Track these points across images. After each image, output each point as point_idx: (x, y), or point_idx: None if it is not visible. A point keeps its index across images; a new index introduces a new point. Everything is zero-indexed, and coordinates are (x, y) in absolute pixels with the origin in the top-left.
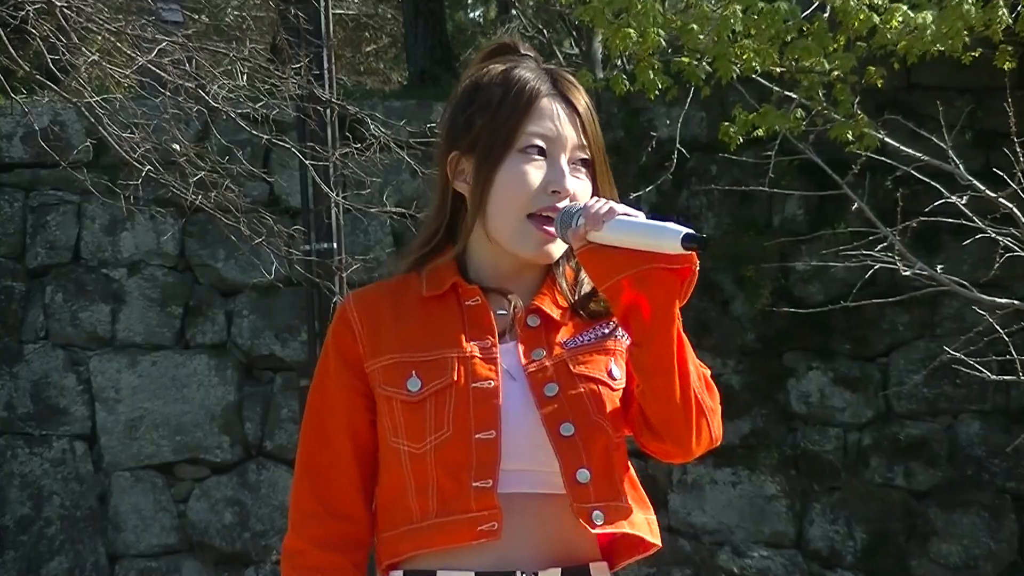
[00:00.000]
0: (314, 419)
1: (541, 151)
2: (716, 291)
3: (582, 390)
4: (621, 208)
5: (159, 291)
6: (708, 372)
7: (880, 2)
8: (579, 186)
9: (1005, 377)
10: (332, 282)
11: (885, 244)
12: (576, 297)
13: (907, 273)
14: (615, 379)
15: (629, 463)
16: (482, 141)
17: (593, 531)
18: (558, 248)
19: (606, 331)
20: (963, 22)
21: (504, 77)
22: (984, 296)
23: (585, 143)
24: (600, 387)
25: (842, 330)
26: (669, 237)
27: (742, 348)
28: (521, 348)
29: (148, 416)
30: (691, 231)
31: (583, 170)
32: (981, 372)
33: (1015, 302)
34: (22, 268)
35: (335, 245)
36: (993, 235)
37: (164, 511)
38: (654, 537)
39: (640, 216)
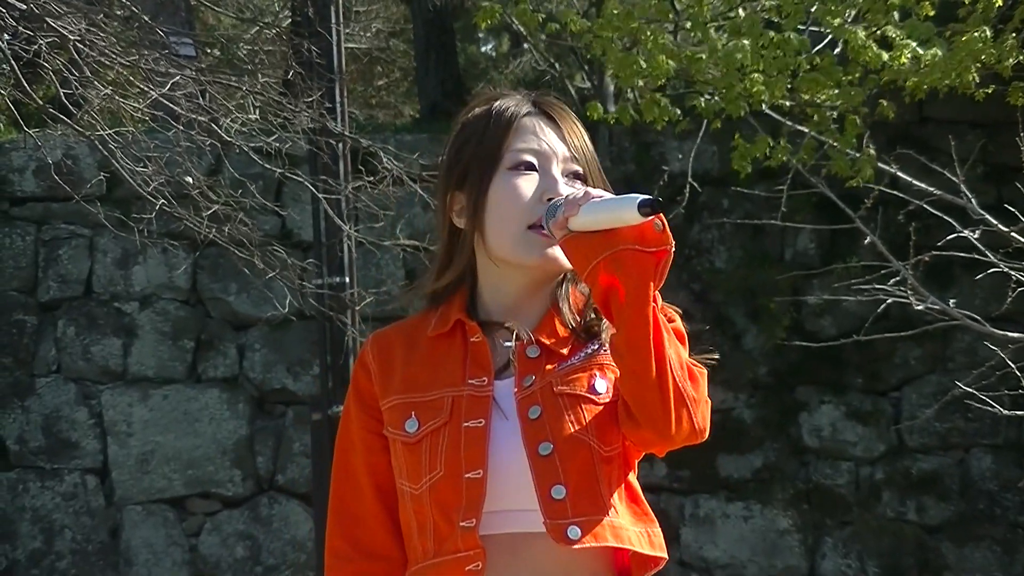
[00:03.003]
0: (341, 460)
1: (530, 166)
2: (728, 325)
3: (563, 408)
4: (596, 192)
5: (171, 325)
6: (703, 371)
7: (893, 35)
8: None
9: (1017, 412)
10: (344, 316)
11: (897, 278)
12: (581, 322)
13: (919, 307)
14: (599, 393)
15: (632, 476)
16: (471, 170)
17: (573, 547)
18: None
19: (594, 348)
20: (972, 57)
21: (486, 109)
22: (996, 330)
23: (576, 156)
24: (582, 403)
25: (854, 364)
26: (629, 207)
27: (754, 382)
28: (517, 379)
29: (160, 450)
30: (646, 196)
31: (579, 183)
32: (993, 407)
33: None
34: (34, 302)
35: (347, 279)
36: (1005, 269)
37: (175, 545)
38: (654, 549)
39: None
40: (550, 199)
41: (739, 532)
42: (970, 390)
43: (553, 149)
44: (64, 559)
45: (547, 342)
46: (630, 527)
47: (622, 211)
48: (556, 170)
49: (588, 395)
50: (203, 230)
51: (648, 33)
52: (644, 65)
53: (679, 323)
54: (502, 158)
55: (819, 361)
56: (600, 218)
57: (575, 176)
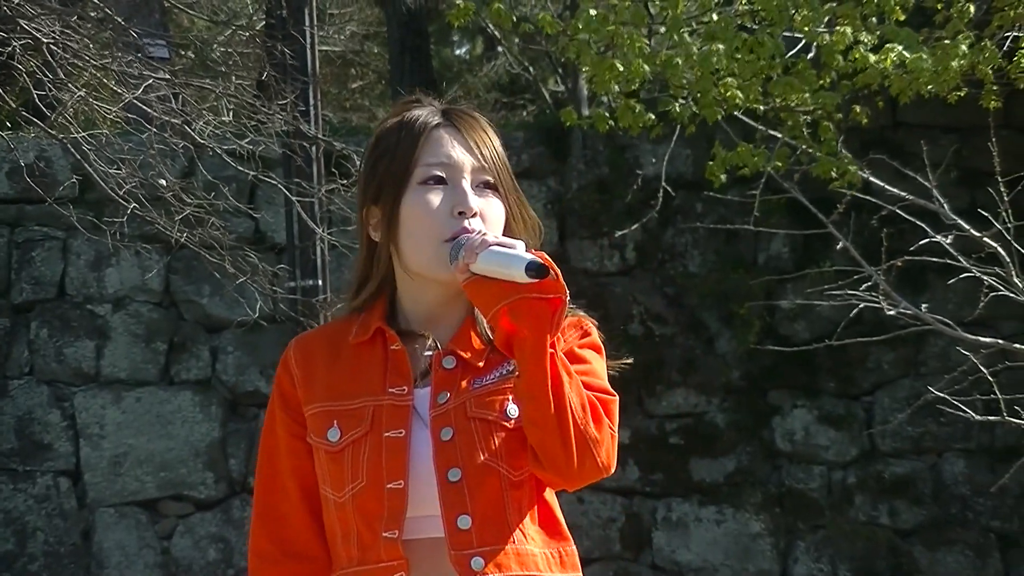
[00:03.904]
0: (265, 462)
1: (440, 180)
2: (701, 329)
3: (474, 433)
4: (493, 239)
5: (144, 327)
6: (612, 399)
7: (866, 40)
8: (486, 205)
9: (990, 417)
10: (316, 320)
11: (870, 283)
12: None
13: (892, 312)
14: (510, 418)
15: (548, 493)
16: (385, 185)
17: None
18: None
19: (509, 369)
20: (958, 63)
21: (398, 122)
22: (968, 335)
23: (485, 166)
24: (493, 428)
25: (827, 368)
26: (518, 267)
27: (727, 386)
28: (432, 392)
29: (132, 452)
30: (533, 259)
31: (490, 192)
32: (965, 412)
33: (999, 341)
34: (7, 304)
35: (320, 282)
36: (978, 274)
37: (148, 548)
38: (564, 570)
39: (518, 246)
40: (460, 212)
41: (712, 536)
42: (943, 395)
43: (462, 161)
44: (36, 561)
45: (464, 355)
46: (538, 550)
47: (512, 268)
48: (466, 182)
49: (500, 420)
50: (175, 233)
51: (624, 36)
52: (620, 68)
53: (594, 336)
54: (412, 173)
55: (792, 365)
56: (495, 269)
57: (486, 186)
